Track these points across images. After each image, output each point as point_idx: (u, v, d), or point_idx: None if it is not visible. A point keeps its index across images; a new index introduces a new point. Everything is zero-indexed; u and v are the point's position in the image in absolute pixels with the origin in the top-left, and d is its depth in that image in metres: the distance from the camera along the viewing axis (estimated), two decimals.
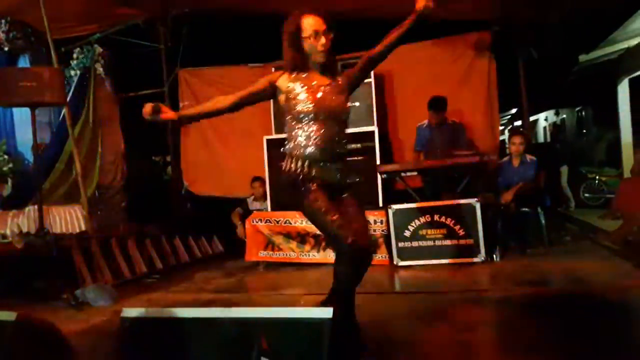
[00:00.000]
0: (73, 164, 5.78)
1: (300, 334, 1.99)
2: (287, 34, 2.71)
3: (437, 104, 5.76)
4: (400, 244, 5.17)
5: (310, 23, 2.66)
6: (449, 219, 5.07)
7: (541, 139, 17.95)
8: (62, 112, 6.00)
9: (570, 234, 6.39)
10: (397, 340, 2.98)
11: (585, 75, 9.13)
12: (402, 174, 5.47)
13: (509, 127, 17.70)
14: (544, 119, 17.76)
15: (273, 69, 6.08)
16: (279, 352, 1.98)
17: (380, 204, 5.50)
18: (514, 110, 14.48)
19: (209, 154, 7.21)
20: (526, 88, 6.60)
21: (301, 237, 5.50)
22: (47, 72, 5.03)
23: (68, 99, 5.96)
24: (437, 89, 6.10)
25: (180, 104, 7.20)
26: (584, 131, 13.07)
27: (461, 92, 6.34)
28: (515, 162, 5.63)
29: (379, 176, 5.53)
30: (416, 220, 5.15)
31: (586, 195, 8.76)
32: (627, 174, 7.68)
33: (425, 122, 5.95)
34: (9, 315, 2.18)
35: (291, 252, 5.55)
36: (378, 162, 5.63)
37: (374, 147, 5.67)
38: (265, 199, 6.08)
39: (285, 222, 5.57)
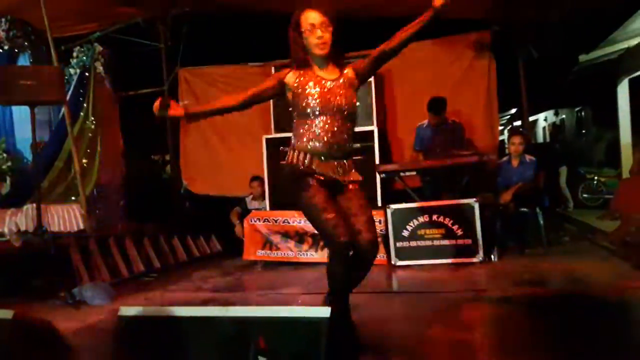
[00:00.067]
0: (72, 163, 5.79)
1: (297, 334, 1.99)
2: (290, 30, 2.75)
3: (437, 106, 5.76)
4: (399, 244, 5.16)
5: (306, 17, 2.68)
6: (447, 219, 5.07)
7: (540, 139, 17.95)
8: (62, 111, 6.00)
9: (569, 235, 6.39)
10: (394, 340, 2.98)
11: (585, 75, 9.13)
12: (401, 174, 5.47)
13: (508, 127, 17.69)
14: (543, 119, 17.75)
15: (273, 69, 6.10)
16: (276, 352, 1.98)
17: (379, 204, 5.50)
18: (513, 110, 14.49)
19: (208, 153, 7.20)
20: (526, 88, 6.60)
21: (299, 237, 5.50)
22: (46, 71, 5.04)
23: (67, 97, 5.97)
24: (436, 88, 6.11)
25: (180, 103, 7.17)
26: (584, 131, 13.07)
27: (461, 92, 6.34)
28: (515, 162, 5.63)
29: (377, 176, 5.53)
30: (415, 220, 5.14)
31: (585, 195, 8.76)
32: (626, 174, 7.68)
33: (426, 122, 5.94)
34: (6, 314, 2.18)
35: (289, 251, 5.55)
36: (377, 161, 5.63)
37: (373, 147, 5.68)
38: (264, 198, 6.08)
39: (283, 222, 5.57)
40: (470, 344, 2.96)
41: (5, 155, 6.21)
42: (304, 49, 2.72)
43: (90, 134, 6.50)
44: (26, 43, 6.54)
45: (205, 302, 4.19)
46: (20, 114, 6.29)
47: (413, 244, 5.14)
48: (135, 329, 2.22)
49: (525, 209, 5.45)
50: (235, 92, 2.94)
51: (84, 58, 6.66)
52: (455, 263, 4.98)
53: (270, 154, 5.93)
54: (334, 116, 2.71)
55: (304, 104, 2.72)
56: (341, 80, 2.76)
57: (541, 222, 5.40)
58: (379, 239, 5.10)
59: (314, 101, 2.71)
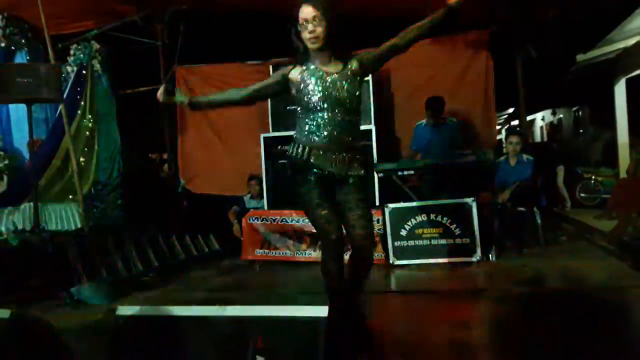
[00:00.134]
0: (69, 161, 5.77)
1: (296, 333, 2.00)
2: (292, 26, 2.75)
3: (435, 105, 5.77)
4: (397, 243, 5.17)
5: (301, 12, 2.68)
6: (445, 218, 5.07)
7: (538, 138, 17.98)
8: (59, 109, 5.98)
9: (566, 234, 6.41)
10: (392, 339, 2.98)
11: (583, 74, 9.14)
12: (399, 173, 5.47)
13: (506, 127, 17.73)
14: (540, 119, 17.78)
15: (271, 67, 6.10)
16: (275, 351, 1.99)
17: (377, 203, 5.50)
18: (511, 110, 14.50)
19: (206, 151, 7.19)
20: (523, 87, 6.60)
21: (297, 236, 5.49)
22: (43, 69, 5.01)
23: (65, 95, 5.95)
24: (434, 87, 6.11)
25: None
26: (581, 131, 13.08)
27: (459, 91, 6.34)
28: (512, 162, 5.64)
29: (375, 175, 5.53)
30: (412, 220, 5.15)
31: (582, 195, 8.76)
32: (623, 174, 7.70)
33: (423, 121, 5.95)
34: (3, 313, 2.18)
35: (287, 250, 5.54)
36: (375, 160, 5.63)
37: (371, 146, 5.68)
38: (262, 197, 6.07)
39: (281, 221, 5.56)
40: (467, 343, 2.96)
41: (2, 153, 6.18)
42: (304, 43, 2.73)
43: (87, 132, 6.49)
44: (23, 41, 6.51)
45: (203, 302, 4.16)
46: (18, 112, 6.27)
47: (411, 243, 5.14)
48: (133, 328, 2.22)
49: (522, 209, 5.46)
50: (230, 90, 2.94)
51: (81, 56, 6.64)
52: (453, 262, 4.98)
53: (268, 152, 5.92)
54: (334, 110, 2.71)
55: (305, 99, 2.74)
56: (344, 73, 2.75)
57: (539, 221, 5.41)
58: (377, 238, 5.21)
59: (314, 95, 2.72)
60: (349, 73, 2.76)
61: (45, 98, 5.13)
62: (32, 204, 5.17)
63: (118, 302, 4.01)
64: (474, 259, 4.97)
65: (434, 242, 5.09)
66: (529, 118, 14.04)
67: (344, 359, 2.55)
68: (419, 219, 5.14)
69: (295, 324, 1.98)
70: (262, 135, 5.99)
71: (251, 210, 5.97)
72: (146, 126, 7.88)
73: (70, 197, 5.89)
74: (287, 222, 5.54)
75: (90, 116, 6.52)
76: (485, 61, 6.37)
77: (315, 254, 5.40)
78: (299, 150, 2.76)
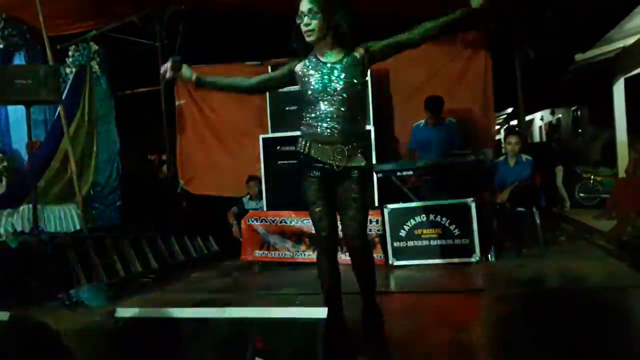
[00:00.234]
0: (68, 163, 5.76)
1: (295, 334, 1.99)
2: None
3: (434, 104, 5.77)
4: (396, 244, 5.17)
5: (300, 5, 2.68)
6: (444, 219, 5.07)
7: (537, 138, 17.99)
8: (58, 110, 5.97)
9: (566, 234, 6.41)
10: (391, 340, 2.98)
11: (581, 74, 9.15)
12: (398, 174, 5.47)
13: (504, 127, 17.75)
14: (539, 118, 17.80)
15: (269, 68, 6.09)
16: (274, 352, 1.98)
17: (376, 204, 5.50)
18: (510, 110, 14.51)
19: (205, 152, 7.19)
20: (522, 87, 6.60)
21: (297, 237, 5.49)
22: (42, 70, 5.00)
23: (63, 96, 5.95)
24: (433, 87, 6.12)
25: (176, 102, 7.18)
26: (580, 130, 13.09)
27: (457, 91, 6.34)
28: (511, 162, 5.63)
29: (374, 175, 5.53)
30: (412, 220, 5.15)
31: (581, 195, 8.77)
32: (622, 173, 7.71)
33: (422, 121, 5.95)
34: (2, 315, 2.17)
35: (287, 251, 5.54)
36: (374, 161, 5.62)
37: (370, 146, 5.66)
38: (261, 198, 6.06)
39: (280, 222, 5.56)
40: (467, 344, 2.96)
41: (0, 155, 6.18)
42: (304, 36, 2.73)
43: (86, 134, 6.49)
44: (21, 42, 6.51)
45: (202, 303, 4.18)
46: (16, 113, 6.26)
47: (410, 243, 5.14)
48: (132, 330, 2.21)
49: (521, 209, 5.46)
50: (229, 91, 2.94)
51: (80, 57, 6.64)
52: (452, 263, 4.98)
53: (267, 153, 5.91)
54: (332, 101, 2.70)
55: (307, 92, 2.75)
56: (343, 63, 2.72)
57: (538, 221, 5.41)
58: (376, 239, 5.21)
59: (313, 87, 2.73)
60: (350, 61, 2.72)
61: (43, 99, 5.12)
62: (31, 205, 5.16)
63: (117, 304, 4.02)
64: (473, 260, 4.97)
65: (433, 242, 5.09)
66: (527, 118, 14.04)
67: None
68: (418, 219, 5.14)
69: (295, 325, 1.97)
70: (260, 136, 5.98)
71: (250, 211, 5.96)
72: (145, 127, 7.88)
73: (70, 198, 5.89)
74: (286, 223, 5.54)
75: (89, 117, 6.53)
76: (484, 61, 6.37)
77: (314, 255, 5.38)
78: (303, 143, 2.78)
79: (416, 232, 5.13)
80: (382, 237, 5.21)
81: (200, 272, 5.69)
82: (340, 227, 2.88)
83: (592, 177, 8.83)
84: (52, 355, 2.20)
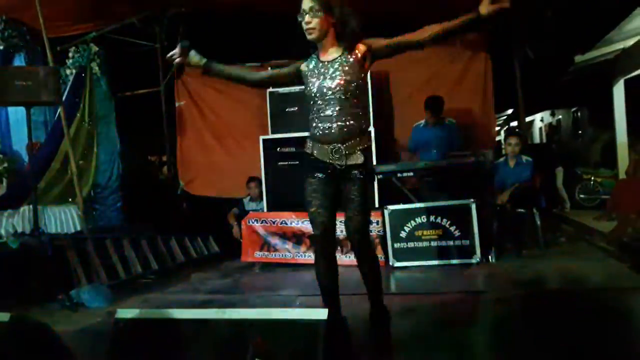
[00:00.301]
0: (68, 164, 5.76)
1: (296, 335, 1.99)
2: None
3: (434, 105, 5.78)
4: (396, 245, 5.16)
5: (302, 3, 2.68)
6: (444, 220, 5.07)
7: (537, 139, 17.99)
8: (58, 111, 5.98)
9: (566, 235, 6.41)
10: (392, 341, 2.98)
11: (581, 75, 9.15)
12: (399, 175, 5.47)
13: (505, 128, 17.74)
14: (539, 120, 17.79)
15: (269, 69, 6.08)
16: (274, 354, 1.98)
17: (377, 205, 5.50)
18: (510, 111, 14.51)
19: (205, 153, 7.19)
20: (522, 88, 6.61)
21: (297, 238, 5.49)
22: (42, 71, 5.01)
23: (64, 98, 5.95)
24: (433, 88, 6.12)
25: (177, 104, 7.19)
26: (580, 132, 13.09)
27: (457, 92, 6.34)
28: (511, 163, 5.64)
29: (375, 177, 5.52)
30: (412, 221, 5.15)
31: (582, 196, 8.77)
32: (622, 174, 7.71)
33: (422, 122, 5.95)
34: (3, 316, 2.17)
35: (287, 252, 5.54)
36: (374, 162, 5.62)
37: (370, 147, 5.66)
38: (261, 199, 6.06)
39: (281, 223, 5.56)
40: (467, 345, 2.96)
41: (1, 156, 6.18)
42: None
43: (86, 135, 6.50)
44: (21, 43, 6.50)
45: (203, 304, 4.18)
46: (17, 114, 6.26)
47: (410, 245, 5.14)
48: (132, 331, 2.21)
49: (522, 210, 5.46)
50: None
51: (80, 58, 6.65)
52: (452, 264, 4.98)
53: (267, 154, 5.91)
54: (329, 99, 2.69)
55: (308, 91, 2.76)
56: (341, 60, 2.71)
57: (538, 222, 5.41)
58: (377, 240, 5.21)
59: (312, 86, 2.73)
60: (351, 60, 2.70)
61: (44, 101, 5.12)
62: (31, 206, 5.15)
63: (117, 305, 4.02)
64: (473, 261, 4.97)
65: (433, 243, 5.09)
66: (528, 119, 14.01)
67: None
68: (418, 220, 5.14)
69: (295, 326, 1.97)
70: (261, 137, 5.99)
71: (250, 212, 5.97)
72: (145, 128, 7.87)
73: (70, 199, 5.89)
74: (286, 224, 5.54)
75: (89, 119, 6.53)
76: (484, 62, 6.37)
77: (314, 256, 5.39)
78: (309, 144, 2.80)
79: (416, 233, 5.13)
80: (383, 238, 5.21)
81: (201, 273, 5.68)
82: (342, 227, 2.88)
83: (592, 178, 8.83)
84: (53, 356, 2.20)
